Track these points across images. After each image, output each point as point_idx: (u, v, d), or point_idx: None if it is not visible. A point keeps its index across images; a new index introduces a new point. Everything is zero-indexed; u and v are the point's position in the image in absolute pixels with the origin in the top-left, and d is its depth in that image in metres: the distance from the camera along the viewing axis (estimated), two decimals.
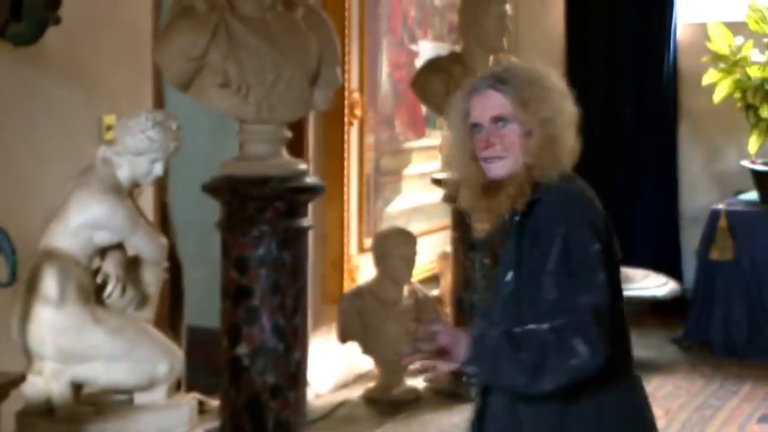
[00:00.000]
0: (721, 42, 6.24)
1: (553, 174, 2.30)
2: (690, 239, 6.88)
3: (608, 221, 2.35)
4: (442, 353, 2.16)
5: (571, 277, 2.19)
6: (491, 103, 2.30)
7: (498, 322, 2.29)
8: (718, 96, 6.26)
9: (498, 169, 2.30)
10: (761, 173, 6.28)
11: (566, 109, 2.33)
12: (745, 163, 6.42)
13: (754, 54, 6.19)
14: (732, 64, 6.19)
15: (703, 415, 5.20)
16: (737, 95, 6.23)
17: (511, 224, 2.34)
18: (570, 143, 2.33)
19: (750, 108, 6.20)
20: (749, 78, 6.17)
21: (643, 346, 6.46)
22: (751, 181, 6.42)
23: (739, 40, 6.23)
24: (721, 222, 6.19)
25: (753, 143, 6.25)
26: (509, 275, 2.32)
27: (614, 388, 2.30)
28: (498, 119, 2.29)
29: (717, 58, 6.27)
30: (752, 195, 6.47)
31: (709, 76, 6.28)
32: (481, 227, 2.40)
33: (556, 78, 2.36)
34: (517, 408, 2.30)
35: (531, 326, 2.16)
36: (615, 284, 2.28)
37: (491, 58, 5.37)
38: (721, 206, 6.33)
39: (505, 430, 2.35)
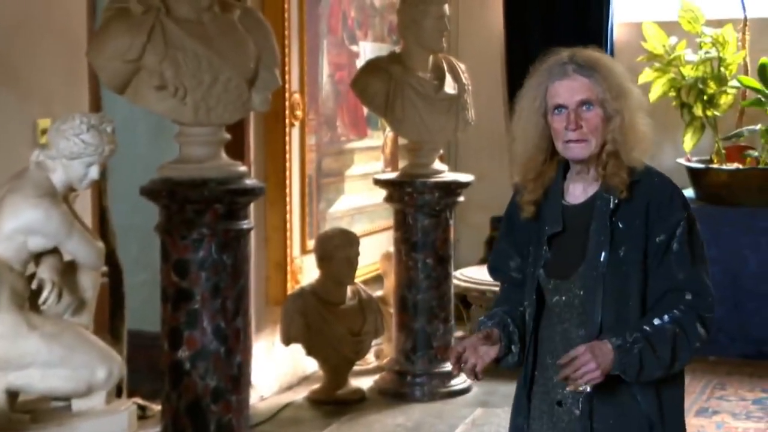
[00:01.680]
0: (656, 42, 6.34)
1: (636, 158, 2.45)
2: None
3: None
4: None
5: (695, 258, 2.43)
6: (578, 87, 2.43)
7: (590, 298, 2.42)
8: (653, 95, 6.35)
9: (581, 150, 2.43)
10: (696, 171, 6.39)
11: (636, 96, 2.47)
12: (681, 160, 6.53)
13: (687, 53, 6.30)
14: (666, 63, 6.30)
15: None
16: (672, 94, 6.34)
17: (591, 207, 2.45)
18: (642, 128, 2.47)
19: (684, 106, 6.31)
20: (683, 77, 6.28)
21: None
22: (687, 179, 6.53)
23: (673, 39, 6.33)
24: None
25: (688, 141, 6.36)
26: (602, 255, 2.42)
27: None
28: (584, 103, 2.42)
29: (652, 57, 6.36)
30: (688, 192, 6.56)
31: (645, 76, 6.37)
32: (527, 206, 2.54)
33: (622, 67, 2.51)
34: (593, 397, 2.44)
35: (656, 320, 2.37)
36: None
37: (430, 58, 5.41)
38: None
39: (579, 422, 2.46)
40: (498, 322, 2.54)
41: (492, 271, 2.75)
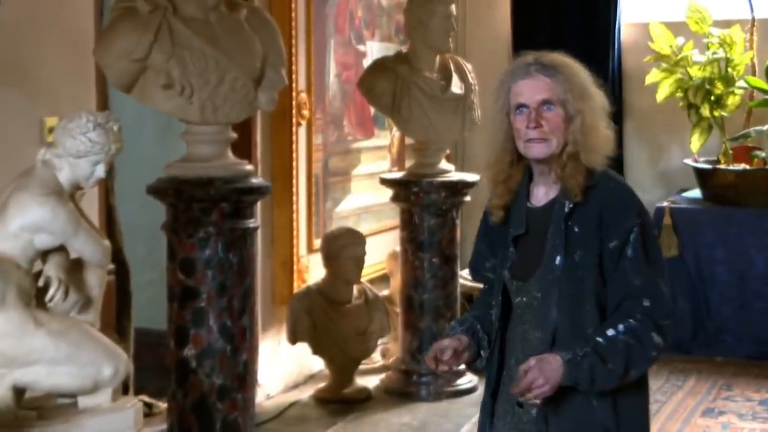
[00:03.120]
0: (663, 42, 6.33)
1: (596, 161, 2.45)
2: None
3: None
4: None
5: (651, 264, 2.41)
6: (540, 87, 2.45)
7: (546, 301, 2.45)
8: (660, 95, 6.35)
9: (541, 149, 2.45)
10: (703, 171, 6.39)
11: (600, 99, 2.50)
12: (688, 161, 6.52)
13: (694, 54, 6.29)
14: (674, 63, 6.29)
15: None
16: (679, 94, 6.33)
17: (550, 210, 2.47)
18: (604, 131, 2.49)
19: (692, 107, 6.30)
20: (690, 78, 6.27)
21: None
22: (694, 179, 6.52)
23: (680, 40, 6.32)
24: (666, 219, 6.28)
25: (695, 142, 6.35)
26: (558, 259, 2.44)
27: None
28: (545, 102, 2.44)
29: (659, 57, 6.36)
30: (695, 193, 6.57)
31: (652, 76, 6.37)
32: (496, 210, 2.57)
33: (587, 71, 2.54)
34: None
35: (610, 331, 2.38)
36: None
37: (437, 58, 5.41)
38: (665, 204, 6.42)
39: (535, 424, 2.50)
40: (467, 329, 2.59)
41: (471, 272, 2.77)
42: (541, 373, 2.34)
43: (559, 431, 2.48)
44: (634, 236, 2.41)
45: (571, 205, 2.44)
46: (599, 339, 2.38)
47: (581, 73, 2.50)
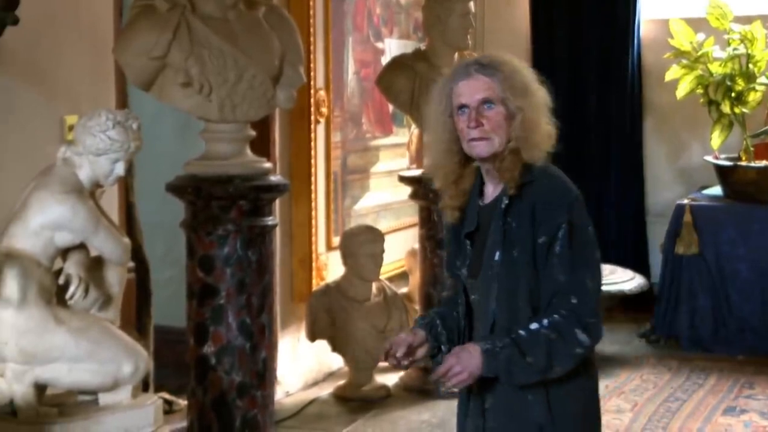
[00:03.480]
0: (683, 38, 6.30)
1: (536, 156, 2.46)
2: (656, 234, 6.94)
3: None
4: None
5: (577, 260, 2.40)
6: (480, 86, 2.46)
7: (487, 296, 2.48)
8: (681, 92, 6.31)
9: (484, 148, 2.46)
10: (724, 168, 6.35)
11: (541, 95, 2.50)
12: (709, 158, 6.49)
13: (715, 50, 6.25)
14: (694, 60, 6.25)
15: (669, 408, 5.25)
16: (699, 91, 6.29)
17: (495, 207, 2.49)
18: (546, 127, 2.49)
19: (712, 104, 6.26)
20: (711, 74, 6.24)
21: (610, 340, 6.51)
22: (714, 176, 6.49)
23: (700, 36, 6.29)
24: (686, 217, 6.25)
25: (716, 138, 6.31)
26: (497, 254, 2.46)
27: (583, 366, 2.50)
28: (485, 101, 2.45)
29: (679, 54, 6.32)
30: (716, 190, 6.53)
31: (672, 72, 6.34)
32: (451, 211, 2.60)
33: (529, 68, 2.54)
34: (486, 396, 2.51)
35: (533, 325, 2.39)
36: None
37: (456, 55, 5.40)
38: (685, 201, 6.39)
39: (475, 418, 2.54)
40: (427, 323, 2.62)
41: (447, 269, 2.78)
42: (459, 361, 2.38)
43: (496, 425, 2.50)
44: (562, 233, 2.40)
45: (507, 201, 2.46)
46: (521, 332, 2.39)
47: (522, 70, 2.50)
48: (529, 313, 2.43)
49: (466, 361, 2.38)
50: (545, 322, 2.39)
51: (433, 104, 2.56)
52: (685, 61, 6.30)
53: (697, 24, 6.39)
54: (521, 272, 2.43)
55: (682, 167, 7.17)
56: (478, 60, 2.52)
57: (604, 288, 6.54)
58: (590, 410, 2.56)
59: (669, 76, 6.38)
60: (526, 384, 2.43)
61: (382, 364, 5.53)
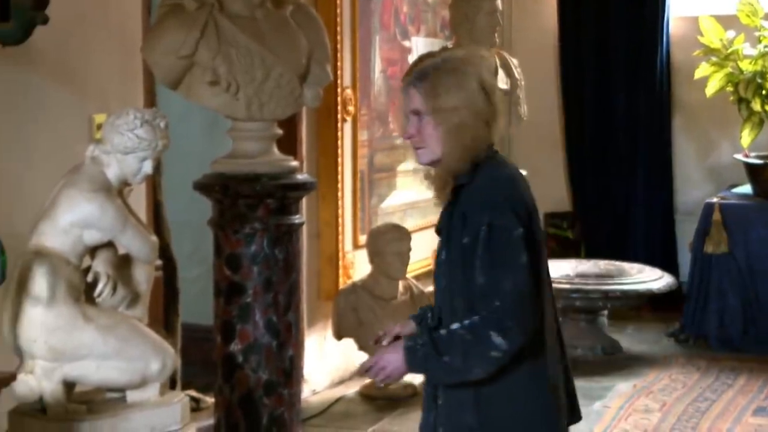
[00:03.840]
0: (713, 36, 6.25)
1: (462, 164, 2.49)
2: (685, 233, 6.89)
3: (531, 204, 2.53)
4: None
5: (496, 262, 2.40)
6: (411, 99, 2.54)
7: (437, 293, 2.58)
8: (710, 89, 6.27)
9: (421, 157, 2.56)
10: (754, 166, 6.29)
11: (473, 100, 2.49)
12: (739, 156, 6.43)
13: (745, 47, 6.20)
14: (724, 57, 6.21)
15: (698, 408, 5.21)
16: (729, 89, 6.25)
17: (446, 208, 2.59)
18: (478, 132, 2.50)
19: (742, 101, 6.21)
20: (741, 71, 6.19)
21: (639, 339, 6.49)
22: (744, 175, 6.43)
23: (730, 33, 6.24)
24: (715, 215, 6.20)
25: (746, 136, 6.26)
26: (443, 254, 2.55)
27: (524, 371, 2.47)
28: (416, 113, 2.53)
29: (709, 51, 6.28)
30: (746, 188, 6.48)
31: (702, 70, 6.29)
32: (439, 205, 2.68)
33: (474, 69, 2.51)
34: (437, 391, 2.56)
35: (454, 325, 2.41)
36: (537, 267, 2.47)
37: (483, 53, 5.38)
38: (715, 200, 6.34)
39: (429, 412, 2.59)
40: (418, 316, 2.72)
41: None
42: (383, 356, 2.47)
43: (443, 422, 2.54)
44: (482, 234, 2.41)
45: (447, 203, 2.54)
46: (442, 331, 2.43)
47: (449, 78, 2.48)
48: (466, 312, 2.44)
49: (389, 357, 2.46)
50: (466, 323, 2.39)
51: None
52: (714, 59, 6.25)
53: (727, 21, 6.34)
54: (456, 272, 2.47)
55: (711, 165, 7.12)
56: (417, 69, 2.56)
57: (632, 287, 6.56)
58: (529, 414, 2.51)
59: (698, 73, 6.34)
60: (451, 383, 2.47)
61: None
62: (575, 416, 2.70)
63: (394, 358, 2.45)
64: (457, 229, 2.47)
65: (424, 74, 2.52)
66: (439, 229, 2.61)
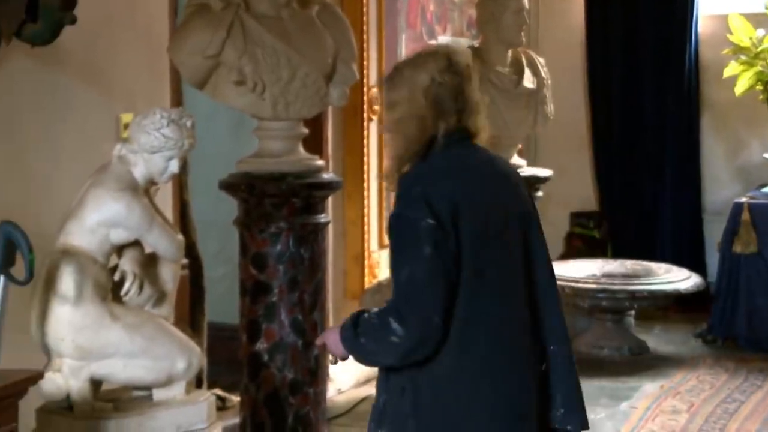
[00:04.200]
0: (742, 34, 6.20)
1: (406, 152, 2.54)
2: (713, 233, 6.84)
3: (467, 198, 2.48)
4: None
5: (399, 252, 2.45)
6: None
7: None
8: (739, 88, 6.22)
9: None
10: None
11: (408, 101, 2.53)
12: None
13: None
14: (753, 56, 6.16)
15: (726, 409, 5.17)
16: (759, 87, 6.20)
17: None
18: (410, 131, 2.53)
19: None
20: None
21: (666, 340, 6.44)
22: None
23: (760, 32, 6.18)
24: (744, 215, 6.15)
25: None
26: None
27: (449, 364, 2.45)
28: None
29: (738, 50, 6.23)
30: None
31: (731, 69, 6.24)
32: None
33: (410, 72, 2.57)
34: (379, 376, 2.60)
35: (374, 309, 2.48)
36: (457, 257, 2.42)
37: (509, 52, 5.37)
38: (743, 199, 6.29)
39: (379, 395, 2.61)
40: None
41: None
42: (327, 335, 2.58)
43: (387, 406, 2.55)
44: (392, 223, 2.48)
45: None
46: (365, 314, 2.48)
47: (394, 79, 2.59)
48: None
49: (330, 336, 2.56)
50: (382, 309, 2.45)
51: None
52: (744, 57, 6.20)
53: (756, 19, 6.29)
54: None
55: (740, 165, 7.06)
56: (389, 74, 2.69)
57: (659, 287, 6.50)
58: (457, 408, 2.47)
59: (727, 72, 6.29)
60: (376, 365, 2.56)
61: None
62: (573, 422, 2.63)
63: (333, 338, 2.53)
64: None
65: (387, 79, 2.65)
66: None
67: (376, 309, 2.46)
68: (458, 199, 2.45)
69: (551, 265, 2.67)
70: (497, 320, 2.48)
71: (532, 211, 2.67)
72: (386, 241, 5.59)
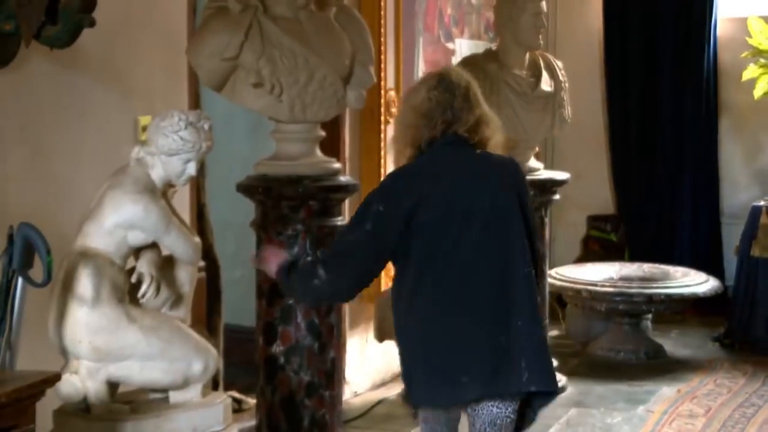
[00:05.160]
0: (762, 37, 6.17)
1: (400, 162, 3.11)
2: (731, 236, 6.81)
3: (427, 194, 2.95)
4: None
5: (349, 223, 3.07)
6: None
7: None
8: (758, 92, 6.19)
9: None
10: None
11: (418, 105, 3.05)
12: None
13: None
14: None
15: (744, 414, 5.15)
16: None
17: None
18: (404, 139, 3.09)
19: None
20: None
21: (683, 344, 6.42)
22: None
23: None
24: (763, 218, 6.13)
25: None
26: None
27: (401, 322, 3.07)
28: None
29: (757, 53, 6.20)
30: None
31: (750, 72, 6.21)
32: None
33: (410, 92, 3.18)
34: None
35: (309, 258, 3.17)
36: (404, 243, 2.97)
37: (527, 55, 5.36)
38: (762, 203, 6.26)
39: None
40: None
41: None
42: (275, 250, 3.25)
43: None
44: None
45: None
46: (301, 260, 3.14)
47: (403, 99, 3.24)
48: None
49: (271, 257, 3.15)
50: (316, 257, 3.14)
51: None
52: (763, 60, 6.17)
53: None
54: None
55: (759, 168, 7.03)
56: None
57: (676, 291, 6.48)
58: (408, 360, 3.02)
59: (746, 75, 6.26)
60: (295, 299, 3.44)
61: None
62: (536, 382, 2.96)
63: (273, 260, 3.10)
64: None
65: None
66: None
67: (311, 258, 3.11)
68: (423, 194, 2.94)
69: (534, 253, 3.05)
70: (440, 293, 2.95)
71: (511, 204, 3.00)
72: None
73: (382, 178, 5.47)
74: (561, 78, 5.45)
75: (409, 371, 3.02)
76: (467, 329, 2.92)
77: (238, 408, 4.50)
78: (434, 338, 2.95)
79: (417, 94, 3.07)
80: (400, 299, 3.05)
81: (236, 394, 4.60)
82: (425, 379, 2.96)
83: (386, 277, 5.52)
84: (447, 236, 2.92)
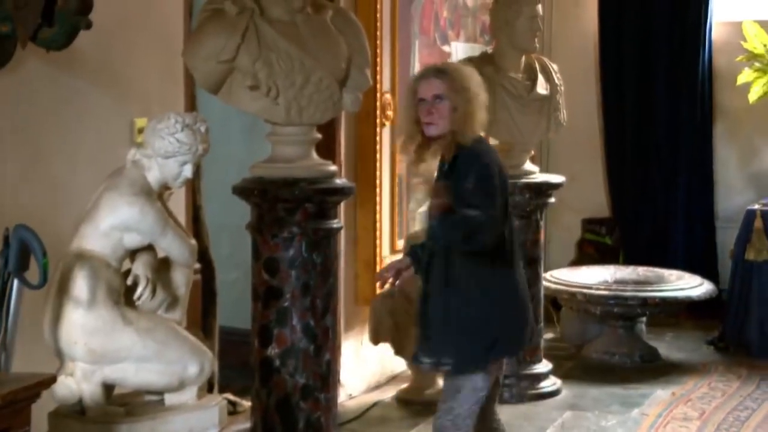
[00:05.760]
0: (756, 41, 6.19)
1: (468, 138, 3.41)
2: (725, 240, 6.82)
3: (503, 173, 3.49)
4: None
5: (484, 195, 3.34)
6: (433, 86, 3.42)
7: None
8: (753, 96, 6.21)
9: (433, 130, 3.42)
10: None
11: (481, 95, 3.45)
12: None
13: None
14: (767, 63, 6.14)
15: (738, 417, 5.15)
16: None
17: (441, 170, 3.49)
18: (480, 119, 3.46)
19: None
20: None
21: (677, 347, 6.43)
22: None
23: None
24: (757, 222, 6.14)
25: None
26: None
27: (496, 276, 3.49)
28: (437, 97, 3.41)
29: (752, 57, 6.22)
30: None
31: (744, 76, 6.23)
32: (416, 172, 3.77)
33: (476, 75, 3.52)
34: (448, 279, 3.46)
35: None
36: (505, 210, 3.47)
37: (523, 58, 5.37)
38: (756, 206, 6.27)
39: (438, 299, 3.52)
40: (410, 252, 3.60)
41: None
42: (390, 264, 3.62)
43: None
44: (471, 176, 3.34)
45: (446, 166, 3.45)
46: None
47: (466, 76, 3.46)
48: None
49: (392, 262, 3.59)
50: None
51: (404, 98, 3.64)
52: (758, 65, 6.19)
53: None
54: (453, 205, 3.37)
55: (753, 172, 7.04)
56: (436, 66, 3.54)
57: (671, 294, 6.50)
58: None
59: (741, 79, 6.28)
60: (465, 244, 3.46)
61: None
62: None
63: (396, 261, 3.50)
64: (455, 181, 3.34)
65: (446, 71, 3.46)
66: (438, 179, 3.46)
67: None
68: (501, 166, 3.48)
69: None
70: (519, 264, 3.59)
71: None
72: (398, 246, 5.60)
73: (377, 181, 5.50)
74: (556, 81, 5.46)
75: (501, 324, 3.46)
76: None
77: (233, 410, 4.50)
78: (524, 297, 3.55)
79: (477, 89, 3.45)
80: (495, 267, 3.45)
81: (231, 397, 4.60)
82: (520, 326, 3.54)
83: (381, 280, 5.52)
84: (506, 198, 3.49)
